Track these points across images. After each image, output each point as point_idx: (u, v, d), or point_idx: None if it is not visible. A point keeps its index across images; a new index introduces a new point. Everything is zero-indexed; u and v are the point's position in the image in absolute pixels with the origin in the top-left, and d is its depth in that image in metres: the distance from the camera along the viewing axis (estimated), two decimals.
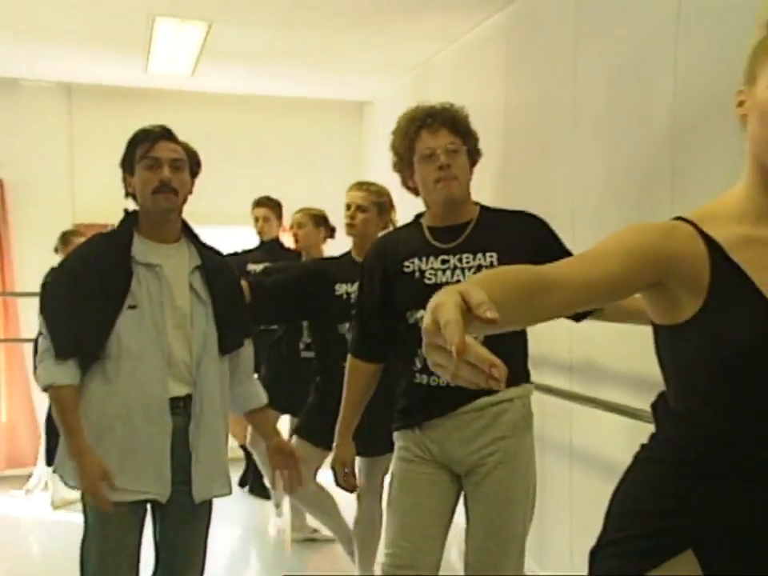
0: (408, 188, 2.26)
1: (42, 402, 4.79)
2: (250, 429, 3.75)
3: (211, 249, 2.26)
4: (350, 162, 5.84)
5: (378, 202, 3.05)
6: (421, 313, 2.05)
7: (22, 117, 5.34)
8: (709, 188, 2.32)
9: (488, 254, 2.09)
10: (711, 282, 1.13)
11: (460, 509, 2.24)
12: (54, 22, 4.06)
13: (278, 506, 4.37)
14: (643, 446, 1.28)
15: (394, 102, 5.22)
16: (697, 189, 2.48)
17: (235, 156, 5.46)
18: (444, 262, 2.12)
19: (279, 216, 4.56)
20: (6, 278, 5.26)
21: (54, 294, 2.16)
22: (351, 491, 2.46)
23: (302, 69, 5.07)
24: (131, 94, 5.41)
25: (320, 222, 3.94)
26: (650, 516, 1.19)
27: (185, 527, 2.18)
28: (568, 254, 2.11)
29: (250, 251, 4.45)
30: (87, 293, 2.06)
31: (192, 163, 2.22)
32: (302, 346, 3.73)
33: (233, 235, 5.06)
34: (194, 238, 2.22)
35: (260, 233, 4.51)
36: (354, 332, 2.34)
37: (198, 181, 2.31)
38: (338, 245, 3.77)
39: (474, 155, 2.20)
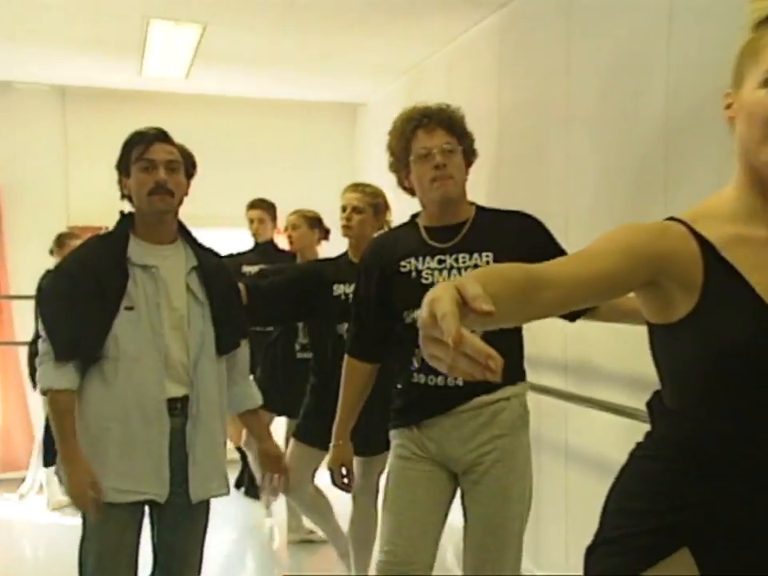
0: (404, 188, 2.27)
1: (36, 406, 4.79)
2: (245, 430, 3.76)
3: (208, 250, 2.27)
4: (343, 164, 5.86)
5: (373, 203, 3.06)
6: (417, 312, 2.06)
7: (16, 119, 5.33)
8: (701, 188, 2.33)
9: (484, 254, 2.10)
10: (705, 281, 1.13)
11: (455, 509, 2.25)
12: (47, 25, 4.06)
13: (267, 506, 4.37)
14: (639, 444, 1.29)
15: (387, 105, 5.23)
16: (690, 189, 2.49)
17: (229, 158, 5.46)
18: (440, 261, 2.13)
19: (274, 218, 4.56)
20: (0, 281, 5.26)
21: (51, 296, 2.17)
22: (348, 491, 2.47)
23: (296, 71, 5.08)
24: (125, 97, 5.41)
25: (314, 223, 3.95)
26: (647, 514, 1.20)
27: (182, 528, 2.18)
28: (563, 253, 2.12)
29: (244, 253, 4.46)
30: (84, 295, 2.07)
31: (187, 165, 2.23)
32: (297, 347, 3.74)
33: (227, 237, 5.06)
34: (190, 239, 2.23)
35: (255, 235, 4.52)
36: (350, 332, 2.35)
37: (192, 183, 2.32)
38: (333, 246, 3.79)
39: (469, 155, 2.22)
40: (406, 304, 2.13)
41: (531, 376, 2.33)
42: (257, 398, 2.39)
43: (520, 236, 2.14)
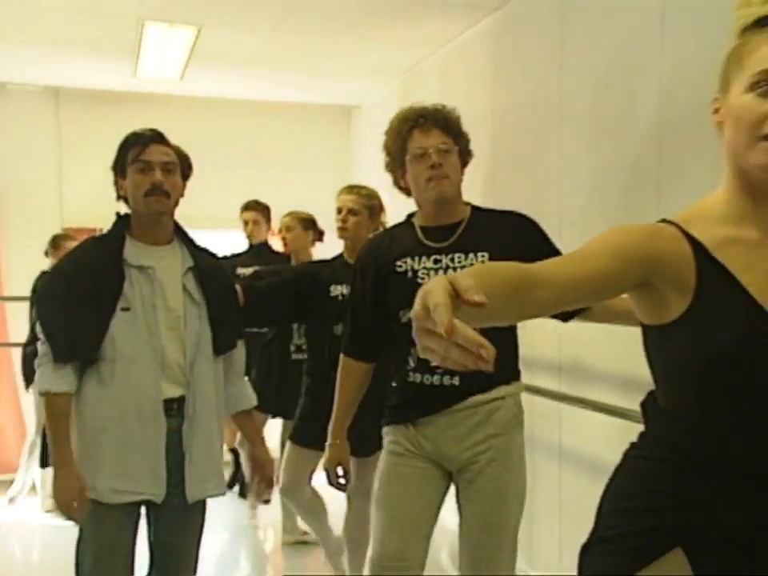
0: (400, 188, 2.28)
1: (29, 407, 4.78)
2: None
3: (205, 250, 2.27)
4: (338, 166, 5.86)
5: (368, 205, 3.08)
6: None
7: (10, 121, 5.32)
8: (695, 189, 2.35)
9: (479, 254, 2.12)
10: (697, 282, 1.15)
11: (449, 509, 2.26)
12: (42, 26, 4.05)
13: (253, 507, 4.37)
14: (633, 444, 1.30)
15: (382, 107, 5.24)
16: (683, 190, 2.51)
17: (224, 160, 5.46)
18: (436, 261, 2.14)
19: (268, 220, 4.58)
20: None
21: (48, 298, 2.18)
22: (344, 491, 2.48)
23: (291, 73, 5.09)
24: (120, 98, 5.40)
25: (308, 225, 3.97)
26: (641, 514, 1.21)
27: (178, 528, 2.19)
28: (558, 253, 2.13)
29: (239, 255, 4.46)
30: (80, 296, 2.07)
31: (183, 166, 2.23)
32: (292, 348, 3.75)
33: (222, 239, 5.06)
34: (186, 240, 2.23)
35: (249, 236, 4.53)
36: (346, 332, 2.35)
37: (187, 185, 2.32)
38: (326, 248, 3.80)
39: (465, 156, 2.23)
40: (401, 303, 2.14)
41: (525, 377, 2.34)
42: (251, 399, 2.39)
43: (515, 236, 2.15)
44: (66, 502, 2.05)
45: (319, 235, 4.00)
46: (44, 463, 3.94)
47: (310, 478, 3.40)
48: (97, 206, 4.82)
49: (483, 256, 2.11)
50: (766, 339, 1.13)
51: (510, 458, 2.16)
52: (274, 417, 3.89)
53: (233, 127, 5.67)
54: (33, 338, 4.41)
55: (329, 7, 3.81)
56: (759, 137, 1.12)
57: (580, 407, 2.94)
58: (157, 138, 2.13)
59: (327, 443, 2.37)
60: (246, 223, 4.53)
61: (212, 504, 2.28)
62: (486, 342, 0.81)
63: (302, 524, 3.94)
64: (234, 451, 4.59)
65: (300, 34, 4.24)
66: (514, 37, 3.70)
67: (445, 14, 3.88)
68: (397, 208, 2.51)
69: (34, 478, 4.70)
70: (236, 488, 4.79)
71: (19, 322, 4.81)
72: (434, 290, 0.85)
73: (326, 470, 2.39)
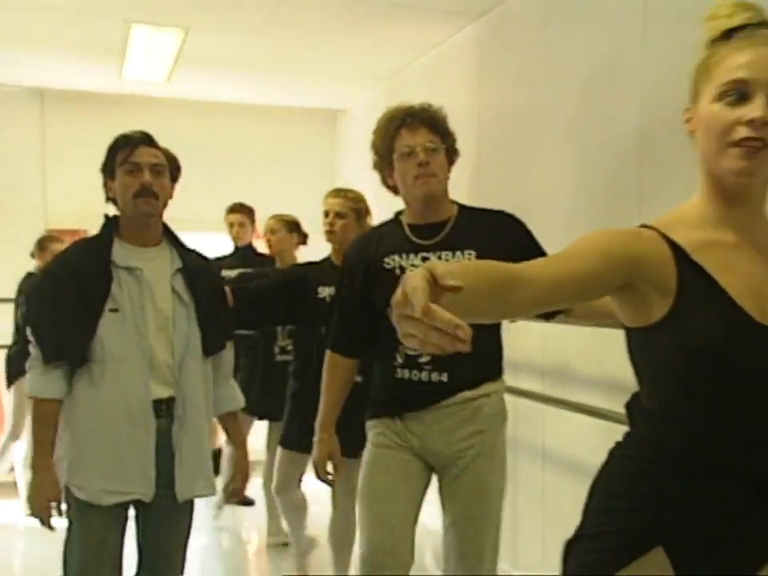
0: (388, 186, 2.30)
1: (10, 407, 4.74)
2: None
3: (194, 252, 2.29)
4: (323, 169, 5.87)
5: (355, 208, 3.10)
6: None
7: None
8: (675, 194, 2.39)
9: (467, 252, 2.14)
10: (678, 284, 1.18)
11: (434, 510, 2.28)
12: (26, 27, 4.04)
13: (219, 507, 4.37)
14: (618, 444, 1.31)
15: (367, 111, 5.26)
16: (664, 194, 2.55)
17: (209, 163, 5.45)
18: (424, 259, 2.16)
19: (253, 222, 4.58)
20: None
21: (37, 300, 2.20)
22: (332, 485, 2.49)
23: (277, 77, 5.10)
24: (105, 100, 5.39)
25: (293, 228, 3.99)
26: (625, 513, 1.22)
27: (166, 528, 2.19)
28: (543, 253, 2.17)
29: (224, 257, 4.47)
30: (69, 298, 2.08)
31: (172, 168, 2.24)
32: (276, 349, 3.76)
33: (206, 241, 5.05)
34: (175, 242, 2.24)
35: (235, 239, 4.53)
36: (333, 328, 2.36)
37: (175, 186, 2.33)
38: (310, 251, 3.82)
39: (451, 154, 2.26)
40: (389, 300, 2.15)
41: (509, 379, 2.37)
42: (239, 401, 2.40)
43: (502, 235, 2.18)
44: (40, 505, 2.09)
45: (303, 238, 4.02)
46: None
47: (300, 481, 3.43)
48: (81, 208, 4.82)
49: (470, 254, 2.14)
50: (746, 339, 1.16)
51: (495, 454, 2.21)
52: (260, 419, 3.89)
53: (218, 130, 5.67)
54: (17, 340, 4.39)
55: (316, 12, 3.82)
56: (729, 143, 1.16)
57: (563, 409, 2.97)
58: (146, 140, 2.14)
59: (315, 438, 2.38)
60: (231, 225, 4.53)
61: (197, 505, 2.29)
62: (463, 322, 0.83)
63: (286, 526, 3.95)
64: (215, 453, 4.59)
65: (287, 38, 4.26)
66: (498, 43, 3.74)
67: (430, 19, 3.91)
68: (382, 211, 2.54)
69: (18, 481, 4.67)
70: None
71: (3, 323, 4.78)
72: (412, 276, 0.88)
73: (315, 464, 2.39)
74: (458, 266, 1.04)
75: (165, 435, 2.12)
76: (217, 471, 4.70)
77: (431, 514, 2.30)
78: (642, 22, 2.72)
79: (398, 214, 2.32)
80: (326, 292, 3.01)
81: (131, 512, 2.18)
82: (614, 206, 2.87)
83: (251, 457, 2.45)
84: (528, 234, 2.25)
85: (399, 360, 2.17)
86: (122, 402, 2.08)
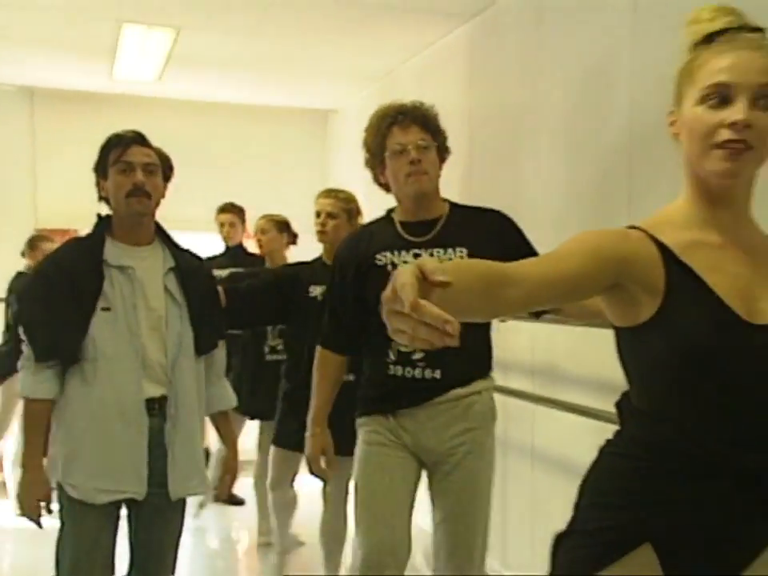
0: (379, 184, 2.32)
1: None
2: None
3: (187, 252, 2.29)
4: (314, 169, 5.88)
5: (347, 208, 3.12)
6: None
7: None
8: (664, 194, 2.40)
9: (458, 249, 2.16)
10: (667, 283, 1.19)
11: (418, 509, 2.29)
12: (17, 25, 4.03)
13: (201, 507, 4.37)
14: (609, 441, 1.32)
15: (359, 111, 5.27)
16: (653, 194, 2.57)
17: (200, 162, 5.44)
18: (416, 255, 2.17)
19: (243, 222, 4.59)
20: None
21: (29, 299, 2.20)
22: (326, 479, 2.49)
23: (269, 76, 5.10)
24: (95, 99, 5.37)
25: (283, 228, 4.00)
26: (615, 510, 1.24)
27: (159, 527, 2.20)
28: (532, 249, 2.21)
29: (215, 257, 4.47)
30: (60, 297, 2.09)
31: (164, 168, 2.25)
32: (266, 349, 3.77)
33: (197, 241, 5.05)
34: (168, 241, 2.24)
35: (226, 239, 4.54)
36: (324, 325, 2.37)
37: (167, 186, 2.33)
38: (300, 251, 3.83)
39: (443, 152, 2.28)
40: (380, 297, 2.15)
41: (499, 379, 2.39)
42: (231, 400, 2.41)
43: (493, 232, 2.21)
44: (30, 503, 2.10)
45: (293, 238, 4.04)
46: None
47: (293, 480, 3.44)
48: (71, 207, 4.81)
49: (462, 251, 2.16)
50: (734, 338, 1.17)
51: (485, 451, 2.24)
52: (251, 419, 3.90)
53: (209, 129, 5.67)
54: (8, 339, 4.38)
55: (307, 12, 3.83)
56: (712, 145, 1.18)
57: (553, 408, 2.99)
58: (138, 139, 2.15)
59: (308, 433, 2.38)
60: (221, 225, 4.53)
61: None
62: (451, 317, 0.84)
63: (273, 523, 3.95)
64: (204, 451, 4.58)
65: (278, 38, 4.26)
66: (490, 44, 3.76)
67: (422, 20, 3.93)
68: (373, 211, 2.54)
69: (6, 481, 4.65)
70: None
71: None
72: (402, 272, 0.89)
73: (308, 459, 2.39)
74: (449, 264, 1.05)
75: (157, 434, 2.12)
76: None
77: (420, 513, 2.31)
78: (632, 24, 2.74)
79: (390, 211, 2.33)
80: (317, 291, 3.02)
81: (123, 511, 2.18)
82: (604, 205, 2.89)
83: (242, 456, 2.46)
84: (519, 232, 2.27)
85: (392, 357, 2.18)
86: (115, 400, 2.08)
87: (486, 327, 2.28)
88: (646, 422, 1.25)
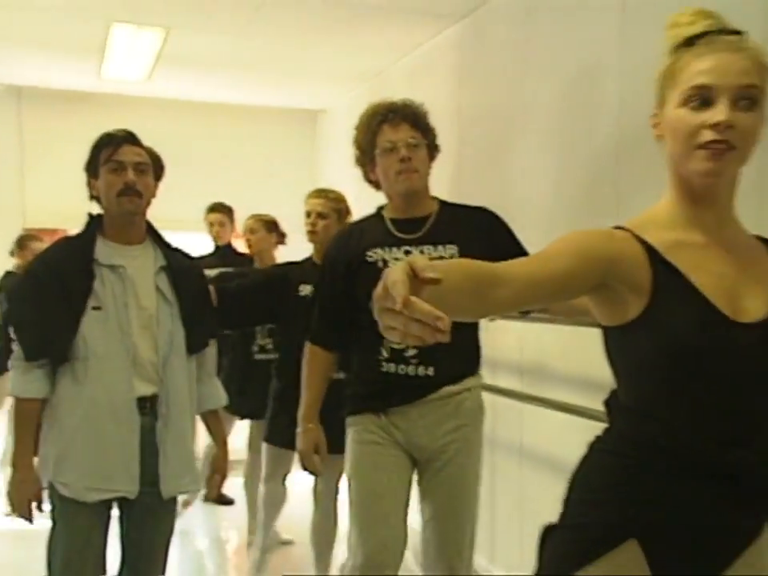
0: (370, 182, 2.34)
1: None
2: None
3: (178, 251, 2.30)
4: (303, 169, 5.89)
5: (336, 208, 3.13)
6: None
7: None
8: (652, 193, 2.43)
9: (449, 246, 2.18)
10: (652, 283, 1.21)
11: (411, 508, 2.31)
12: (5, 24, 4.01)
13: (184, 506, 4.37)
14: (598, 438, 1.34)
15: (348, 111, 5.28)
16: (641, 194, 2.59)
17: (189, 162, 5.43)
18: (407, 252, 2.19)
19: (232, 222, 4.60)
20: None
21: (18, 298, 2.21)
22: (319, 474, 2.49)
23: (258, 77, 5.10)
24: (84, 98, 5.36)
25: (272, 227, 4.02)
26: (603, 506, 1.26)
27: (150, 526, 2.20)
28: (520, 247, 2.24)
29: (205, 257, 4.46)
30: (50, 296, 2.09)
31: (156, 167, 2.25)
32: (255, 348, 3.77)
33: (186, 241, 5.04)
34: (159, 240, 2.25)
35: (215, 238, 4.54)
36: (314, 321, 2.38)
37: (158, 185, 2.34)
38: (289, 250, 3.84)
39: (432, 150, 2.30)
40: (371, 293, 2.16)
41: (488, 378, 2.41)
42: (221, 399, 2.41)
43: (482, 230, 2.23)
44: (21, 502, 2.10)
45: (282, 238, 4.05)
46: None
47: (284, 478, 3.45)
48: (60, 207, 4.80)
49: (453, 249, 2.18)
50: (720, 336, 1.20)
51: (473, 447, 2.27)
52: (242, 418, 3.90)
53: (199, 129, 5.66)
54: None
55: (297, 12, 3.84)
56: (695, 146, 1.20)
57: (541, 407, 3.01)
58: (129, 138, 2.15)
59: (299, 429, 2.38)
60: (211, 225, 4.54)
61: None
62: (442, 313, 0.85)
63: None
64: None
65: (268, 39, 4.27)
66: (479, 44, 3.78)
67: (411, 21, 3.95)
68: (363, 210, 2.56)
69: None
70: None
71: None
72: (393, 270, 0.90)
73: (301, 454, 2.39)
74: (439, 263, 1.06)
75: (149, 433, 2.13)
76: None
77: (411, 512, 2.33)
78: (620, 25, 2.77)
79: (380, 208, 2.35)
80: (307, 290, 3.03)
81: (115, 511, 2.19)
82: (593, 205, 2.92)
83: (231, 456, 2.46)
84: (507, 229, 2.30)
85: (384, 354, 2.19)
86: (106, 399, 2.08)
87: (475, 325, 2.30)
88: (633, 419, 1.27)
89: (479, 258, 1.14)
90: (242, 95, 5.58)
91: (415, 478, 2.31)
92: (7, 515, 4.41)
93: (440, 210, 2.28)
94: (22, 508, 2.10)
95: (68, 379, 2.09)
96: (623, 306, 1.23)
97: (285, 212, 4.14)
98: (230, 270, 4.02)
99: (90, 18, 3.91)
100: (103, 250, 2.14)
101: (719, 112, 1.18)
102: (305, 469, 2.44)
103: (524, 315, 2.26)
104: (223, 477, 2.42)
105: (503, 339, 3.25)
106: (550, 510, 1.35)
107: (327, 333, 2.35)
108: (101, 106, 5.28)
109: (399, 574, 2.27)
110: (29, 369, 2.10)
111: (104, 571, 2.17)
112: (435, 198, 2.32)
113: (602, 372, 1.36)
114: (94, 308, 2.09)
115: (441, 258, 2.16)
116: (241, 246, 4.41)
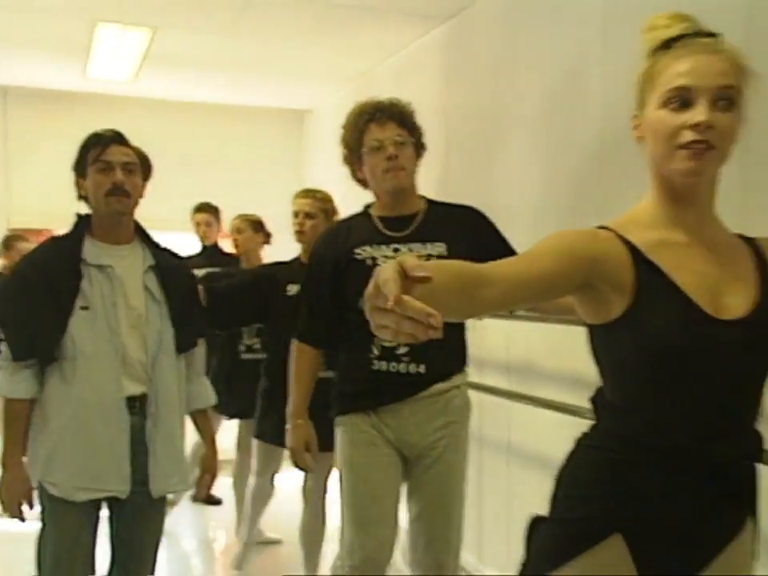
0: (357, 180, 2.35)
1: None
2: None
3: (167, 251, 2.30)
4: (290, 169, 5.89)
5: (324, 208, 3.15)
6: None
7: None
8: (636, 193, 2.46)
9: (437, 244, 2.20)
10: (635, 281, 1.23)
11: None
12: None
13: (171, 504, 4.36)
14: (585, 434, 1.36)
15: (334, 111, 5.29)
16: (626, 193, 2.61)
17: (176, 162, 5.41)
18: (396, 250, 2.21)
19: (219, 221, 4.60)
20: None
21: (6, 299, 2.20)
22: (310, 470, 2.49)
23: (245, 77, 5.10)
24: (69, 98, 5.34)
25: (258, 227, 4.03)
26: (588, 501, 1.27)
27: (140, 526, 2.20)
28: (508, 245, 2.27)
29: (192, 257, 4.46)
30: (38, 296, 2.09)
31: (143, 167, 2.26)
32: (242, 348, 3.78)
33: (174, 241, 5.03)
34: (147, 240, 2.25)
35: (202, 238, 4.54)
36: (301, 320, 2.38)
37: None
38: (276, 250, 3.85)
39: (419, 148, 2.32)
40: (361, 291, 2.16)
41: (475, 376, 2.43)
42: (209, 398, 2.42)
43: (470, 228, 2.26)
44: (11, 501, 2.11)
45: (267, 237, 4.07)
46: None
47: (273, 476, 3.46)
48: (45, 207, 4.78)
49: (441, 246, 2.20)
50: (703, 334, 1.22)
51: (461, 444, 2.29)
52: (229, 418, 3.90)
53: (185, 129, 5.65)
54: None
55: (284, 12, 3.84)
56: (677, 146, 1.22)
57: (528, 404, 3.03)
58: (117, 138, 2.15)
59: (289, 426, 2.38)
60: (197, 225, 4.54)
61: None
62: (434, 310, 0.86)
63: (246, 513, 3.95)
64: None
65: (255, 39, 4.27)
66: (465, 45, 3.80)
67: (398, 22, 3.96)
68: (350, 210, 2.57)
69: None
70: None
71: None
72: (383, 269, 0.91)
73: (292, 450, 2.38)
74: (428, 262, 1.08)
75: (139, 432, 2.13)
76: None
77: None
78: (603, 27, 2.80)
79: (367, 207, 2.36)
80: (294, 290, 3.03)
81: (105, 512, 2.19)
82: (579, 204, 2.94)
83: (220, 456, 2.45)
84: (493, 227, 2.33)
85: (375, 352, 2.20)
86: (95, 399, 2.08)
87: (462, 324, 2.32)
88: (619, 415, 1.29)
89: (467, 255, 1.15)
90: (229, 95, 5.58)
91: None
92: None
93: (428, 208, 2.30)
94: (12, 508, 2.11)
95: (56, 379, 2.09)
96: (607, 305, 1.24)
97: (271, 212, 4.15)
98: (217, 270, 4.03)
99: (75, 18, 3.90)
100: (91, 250, 2.14)
101: (699, 113, 1.20)
102: (296, 465, 2.44)
103: (510, 313, 2.28)
104: (213, 476, 2.42)
105: (490, 338, 3.27)
106: (538, 508, 1.36)
107: (315, 331, 2.35)
108: (87, 106, 5.26)
109: (389, 573, 2.30)
110: (17, 369, 2.10)
111: (93, 571, 2.17)
112: (423, 197, 2.34)
113: (588, 370, 1.38)
114: (82, 308, 2.09)
115: (429, 255, 2.18)
116: (227, 245, 4.41)
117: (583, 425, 1.38)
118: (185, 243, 4.68)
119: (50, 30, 4.10)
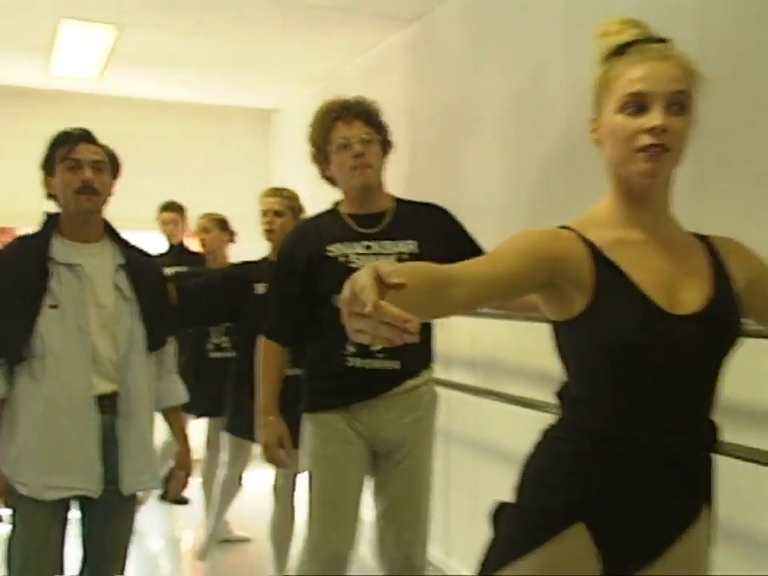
0: (326, 178, 2.38)
1: None
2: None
3: (136, 248, 2.30)
4: (256, 168, 5.88)
5: (291, 206, 3.17)
6: None
7: None
8: (598, 193, 2.52)
9: (408, 242, 2.24)
10: (595, 279, 1.27)
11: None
12: None
13: (140, 504, 4.34)
14: (552, 426, 1.40)
15: (301, 111, 5.29)
16: (588, 193, 2.64)
17: (142, 161, 5.34)
18: (367, 247, 2.24)
19: (185, 220, 4.59)
20: None
21: None
22: (285, 466, 2.50)
23: (211, 76, 5.09)
24: (32, 95, 5.27)
25: (224, 226, 4.04)
26: (552, 491, 1.31)
27: (111, 525, 2.19)
28: (475, 242, 2.32)
29: (159, 256, 4.44)
30: (5, 295, 2.08)
31: (112, 165, 2.25)
32: (210, 346, 3.78)
33: (141, 240, 4.99)
34: (117, 238, 2.25)
35: (168, 237, 4.53)
36: (270, 317, 2.38)
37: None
38: (241, 249, 3.85)
39: (386, 146, 2.35)
40: (334, 288, 2.15)
41: (442, 373, 2.46)
42: (180, 396, 2.41)
43: (438, 226, 2.31)
44: None
45: (232, 236, 4.08)
46: None
47: (240, 477, 3.46)
48: (9, 205, 4.71)
49: (412, 243, 2.24)
50: (659, 329, 1.26)
51: (429, 439, 2.33)
52: (197, 417, 3.89)
53: (151, 128, 5.61)
54: None
55: (250, 11, 3.85)
56: (634, 149, 1.27)
57: (494, 400, 3.07)
58: (86, 136, 2.15)
59: (260, 423, 2.38)
60: (164, 224, 4.53)
61: None
62: (411, 315, 0.89)
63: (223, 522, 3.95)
64: None
65: (222, 37, 4.27)
66: (431, 46, 3.85)
67: (366, 22, 3.99)
68: (317, 209, 2.58)
69: None
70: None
71: None
72: (360, 275, 0.94)
73: (265, 446, 2.38)
74: (401, 266, 1.11)
75: (109, 431, 2.12)
76: None
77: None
78: (565, 29, 2.86)
79: (335, 204, 2.38)
80: (261, 288, 3.03)
81: (76, 513, 2.17)
82: (544, 203, 3.00)
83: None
84: (460, 226, 2.38)
85: (350, 349, 2.21)
86: (64, 397, 2.07)
87: (428, 323, 2.35)
88: (582, 409, 1.33)
89: (436, 254, 1.19)
90: (196, 94, 5.55)
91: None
92: None
93: (397, 206, 2.34)
94: None
95: (25, 378, 2.08)
96: (569, 302, 1.28)
97: (238, 211, 4.16)
98: (184, 269, 4.02)
99: (38, 14, 3.85)
100: (60, 249, 2.14)
101: (654, 117, 1.25)
102: (269, 461, 2.44)
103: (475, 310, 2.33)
104: (188, 473, 2.41)
105: (456, 335, 3.31)
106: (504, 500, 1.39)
107: (283, 328, 2.36)
108: (51, 103, 5.20)
109: (356, 572, 2.33)
110: None
111: (62, 571, 2.16)
112: (390, 195, 2.37)
113: (552, 366, 1.42)
114: (51, 306, 2.08)
115: (401, 253, 2.22)
116: (194, 244, 4.40)
117: (548, 420, 1.41)
118: (152, 242, 4.66)
119: (12, 26, 4.05)
